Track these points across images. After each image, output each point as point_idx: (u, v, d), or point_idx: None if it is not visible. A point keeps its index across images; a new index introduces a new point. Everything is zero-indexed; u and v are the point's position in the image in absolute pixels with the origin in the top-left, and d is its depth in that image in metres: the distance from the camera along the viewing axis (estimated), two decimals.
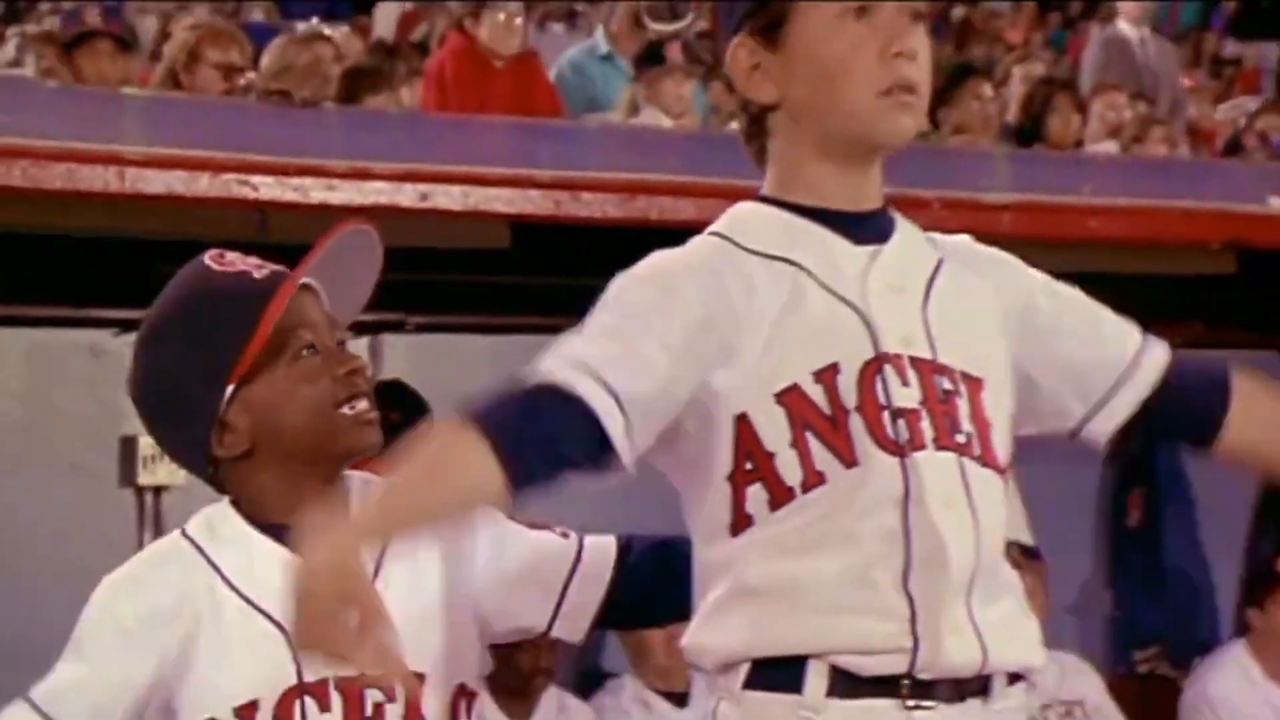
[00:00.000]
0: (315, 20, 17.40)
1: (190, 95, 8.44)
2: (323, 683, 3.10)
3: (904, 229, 2.96)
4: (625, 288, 2.84)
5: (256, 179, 5.62)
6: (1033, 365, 2.97)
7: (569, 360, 2.73)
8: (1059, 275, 3.13)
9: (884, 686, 2.76)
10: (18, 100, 7.31)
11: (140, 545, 5.48)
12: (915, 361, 2.81)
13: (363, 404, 3.18)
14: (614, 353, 2.75)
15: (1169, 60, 13.77)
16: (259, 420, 3.14)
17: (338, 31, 18.69)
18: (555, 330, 2.81)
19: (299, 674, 3.09)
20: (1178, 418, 3.06)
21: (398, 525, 2.77)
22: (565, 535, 3.22)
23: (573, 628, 3.20)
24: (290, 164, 5.83)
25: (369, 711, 3.14)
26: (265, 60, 8.75)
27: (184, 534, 3.22)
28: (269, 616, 3.07)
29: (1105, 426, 3.01)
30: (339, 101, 8.65)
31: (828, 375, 2.78)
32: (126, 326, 6.00)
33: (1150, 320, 3.41)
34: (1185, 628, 8.66)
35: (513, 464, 2.67)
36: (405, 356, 6.95)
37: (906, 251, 2.93)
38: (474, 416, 2.70)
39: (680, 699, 7.22)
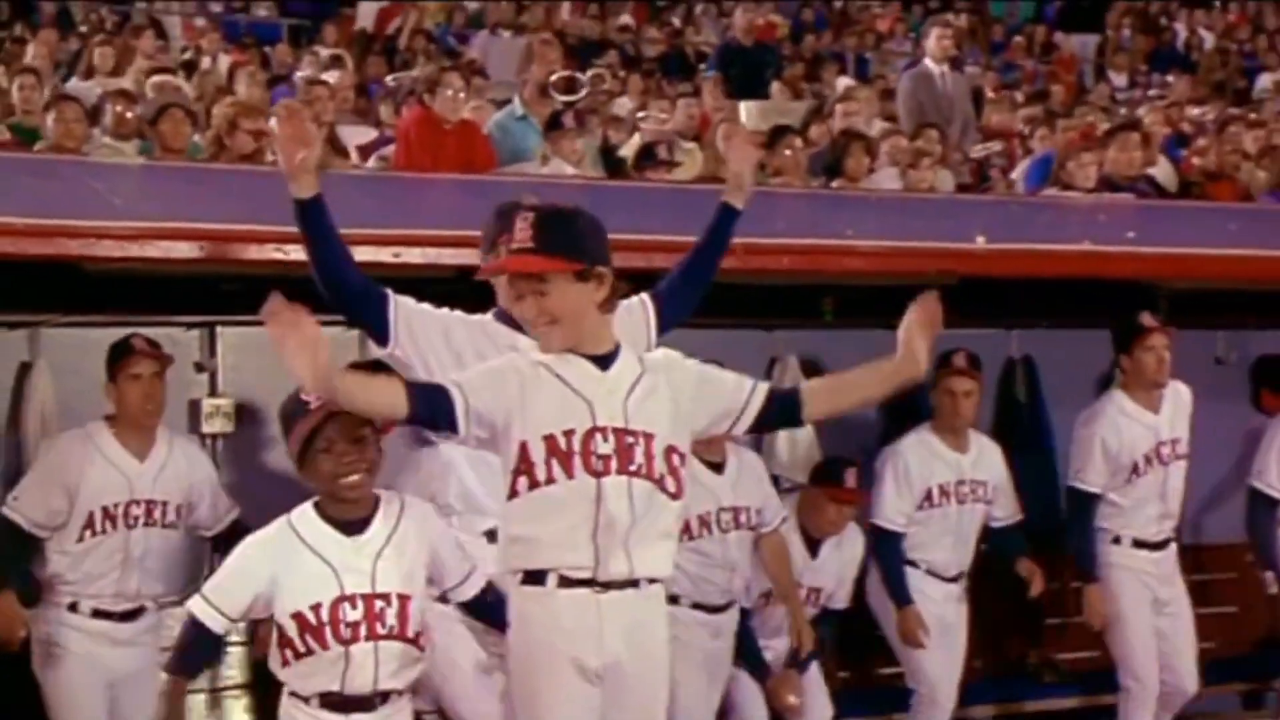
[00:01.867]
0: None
1: (230, 165, 9.00)
2: (352, 596, 4.96)
3: (624, 356, 4.90)
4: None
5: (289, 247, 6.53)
6: (696, 414, 4.95)
7: (456, 381, 4.77)
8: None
9: (584, 584, 4.78)
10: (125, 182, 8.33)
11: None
12: (615, 430, 4.77)
13: (353, 478, 5.00)
14: (470, 386, 4.73)
15: (963, 90, 14.36)
16: (308, 476, 5.04)
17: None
18: None
19: (340, 589, 4.97)
20: (779, 418, 5.08)
21: (349, 389, 4.61)
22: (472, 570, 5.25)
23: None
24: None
25: (376, 610, 4.97)
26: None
27: (288, 519, 5.08)
28: (323, 559, 4.98)
29: (741, 430, 5.09)
30: None
31: (568, 432, 4.74)
32: (190, 327, 7.56)
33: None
34: None
35: (413, 404, 4.68)
36: None
37: (620, 370, 4.83)
38: (408, 383, 4.78)
39: None
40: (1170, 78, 23.35)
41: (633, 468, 4.77)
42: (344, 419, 4.95)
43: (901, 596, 7.92)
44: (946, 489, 8.04)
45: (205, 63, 15.29)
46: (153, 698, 6.32)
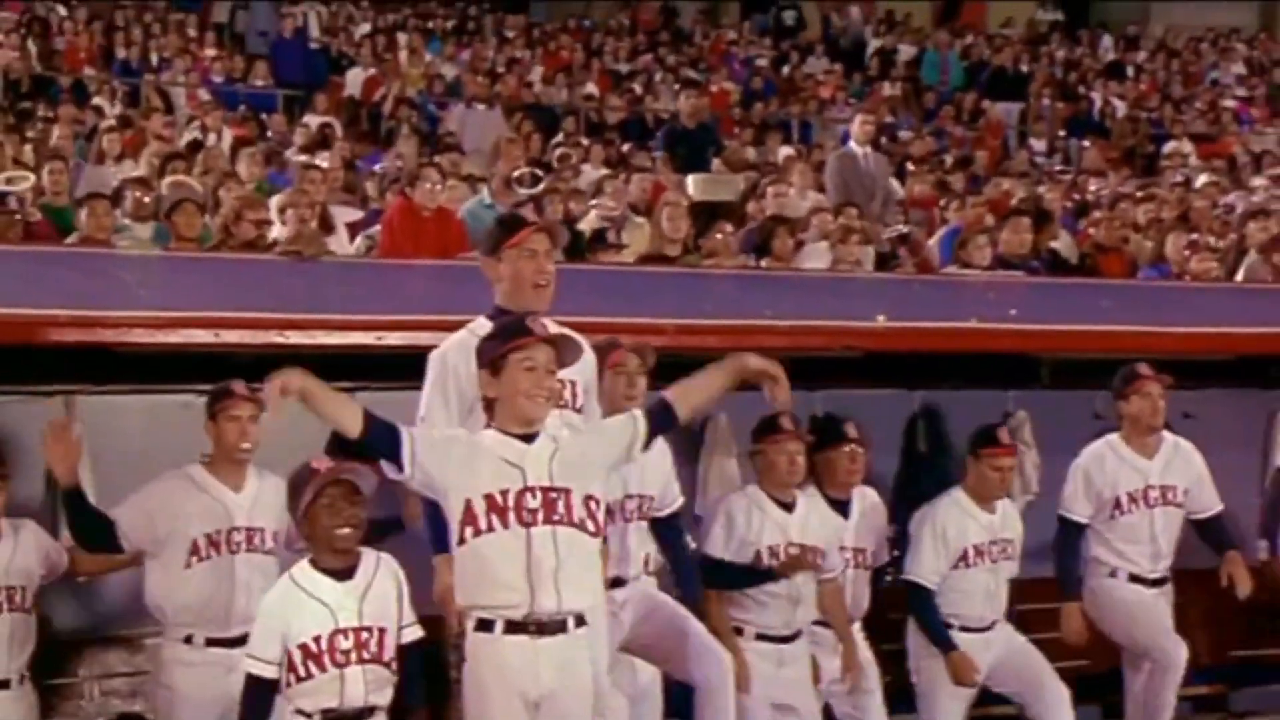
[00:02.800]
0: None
1: (236, 254, 9.58)
2: (345, 629, 5.79)
3: (547, 429, 5.74)
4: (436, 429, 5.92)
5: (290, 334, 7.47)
6: (607, 457, 5.84)
7: (411, 432, 5.69)
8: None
9: (523, 630, 5.64)
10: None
11: None
12: (542, 488, 5.64)
13: (347, 531, 5.83)
14: (422, 440, 5.66)
15: (884, 169, 15.29)
16: (307, 530, 5.87)
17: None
18: None
19: (335, 623, 5.79)
20: (663, 425, 5.94)
21: (322, 394, 5.54)
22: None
23: None
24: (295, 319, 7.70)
25: (363, 640, 5.80)
26: (284, 231, 10.40)
27: (290, 575, 5.91)
28: (321, 601, 5.81)
29: (643, 448, 5.91)
30: None
31: (504, 492, 5.61)
32: (202, 394, 7.32)
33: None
34: None
35: (367, 429, 5.58)
36: None
37: (544, 441, 5.71)
38: (368, 413, 5.62)
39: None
40: (1086, 142, 23.75)
41: (556, 517, 5.66)
42: (344, 484, 5.81)
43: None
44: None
45: (211, 139, 15.90)
46: None
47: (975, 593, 8.15)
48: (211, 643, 6.76)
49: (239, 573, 6.79)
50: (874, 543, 8.24)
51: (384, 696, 5.93)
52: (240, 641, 6.38)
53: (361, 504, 5.88)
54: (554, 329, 5.88)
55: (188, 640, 6.81)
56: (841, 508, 8.03)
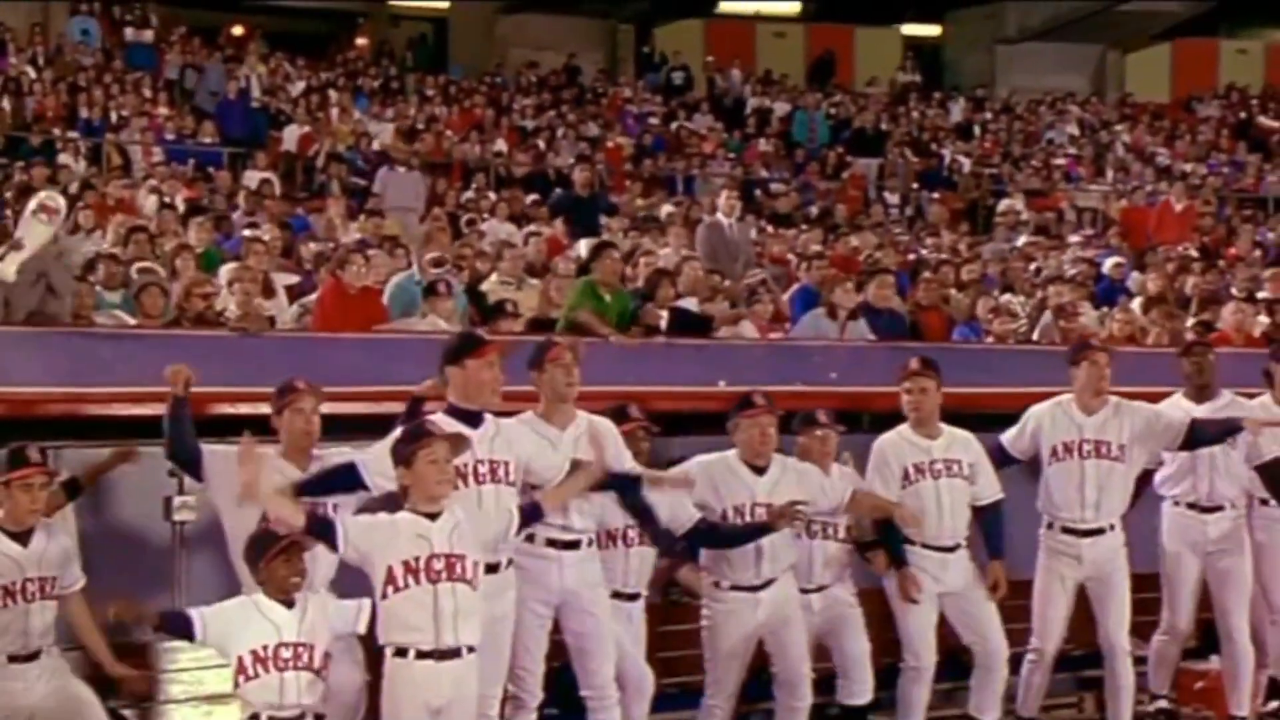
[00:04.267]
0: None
1: (193, 331, 10.17)
2: (288, 643, 6.73)
3: (446, 510, 6.87)
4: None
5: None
6: (490, 536, 7.11)
7: (344, 521, 6.91)
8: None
9: (429, 656, 6.81)
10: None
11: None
12: (445, 555, 6.79)
13: (296, 579, 6.80)
14: (353, 526, 6.86)
15: (746, 236, 16.25)
16: (263, 576, 6.84)
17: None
18: None
19: (280, 638, 6.72)
20: (531, 519, 7.39)
21: (273, 501, 6.86)
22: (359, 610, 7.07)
23: None
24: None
25: (299, 652, 6.73)
26: (231, 309, 11.17)
27: (250, 597, 6.89)
28: (270, 620, 6.75)
29: (512, 535, 7.29)
30: None
31: (416, 558, 6.77)
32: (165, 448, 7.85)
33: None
34: None
35: (309, 526, 6.73)
36: None
37: (447, 516, 6.82)
38: (310, 512, 6.86)
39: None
40: (936, 194, 24.72)
41: (454, 576, 6.84)
42: (298, 545, 6.87)
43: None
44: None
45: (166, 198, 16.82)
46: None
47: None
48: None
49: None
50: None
51: (315, 695, 6.92)
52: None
53: (304, 559, 6.96)
54: (449, 428, 7.04)
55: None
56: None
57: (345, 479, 7.30)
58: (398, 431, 7.21)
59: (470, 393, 7.39)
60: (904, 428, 9.00)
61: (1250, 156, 28.97)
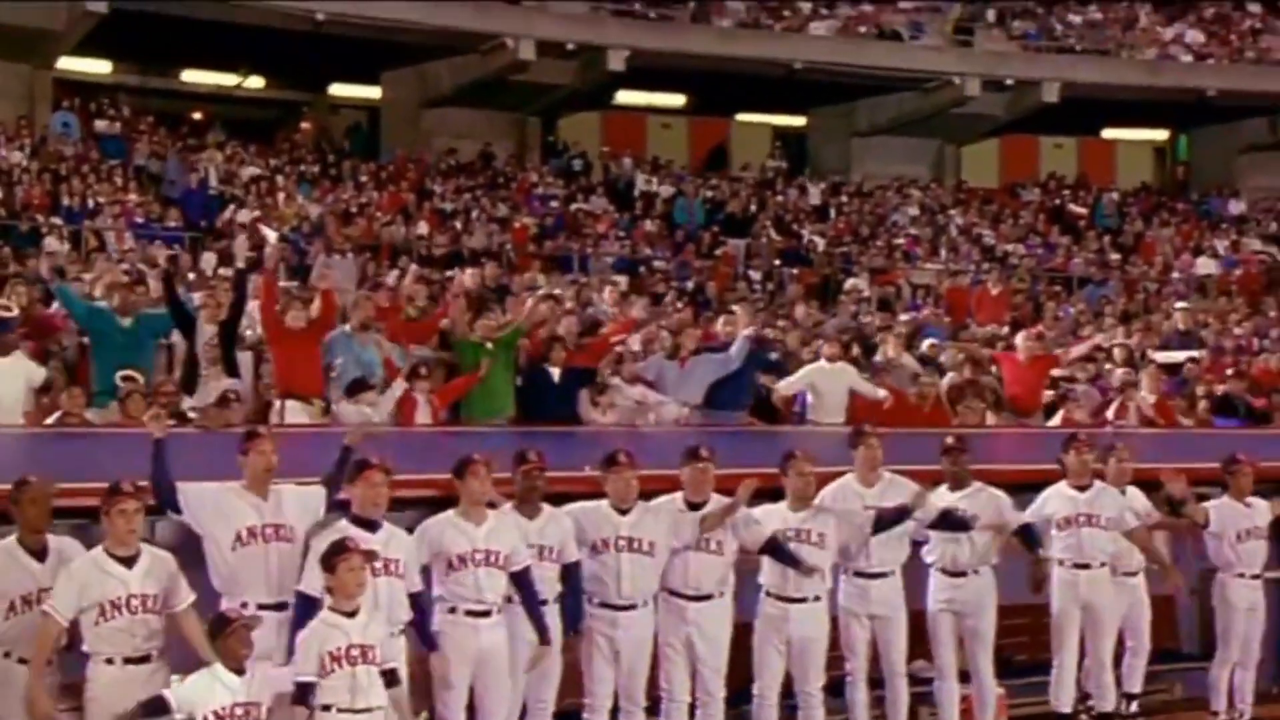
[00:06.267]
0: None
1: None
2: (240, 703, 7.72)
3: (364, 608, 8.09)
4: None
5: None
6: (389, 627, 8.33)
7: None
8: None
9: (349, 712, 8.02)
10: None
11: None
12: (359, 645, 8.00)
13: (246, 651, 7.90)
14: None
15: None
16: (220, 649, 7.88)
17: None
18: None
19: (234, 699, 7.79)
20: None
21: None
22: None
23: None
24: None
25: (250, 710, 7.75)
26: (193, 406, 11.88)
27: (210, 669, 7.91)
28: (226, 685, 7.79)
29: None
30: None
31: (338, 648, 7.98)
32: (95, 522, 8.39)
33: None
34: None
35: None
36: None
37: (362, 614, 8.06)
38: None
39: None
40: (795, 271, 25.31)
41: (367, 660, 7.97)
42: (248, 628, 7.90)
43: None
44: None
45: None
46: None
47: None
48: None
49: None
50: None
51: None
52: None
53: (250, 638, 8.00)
54: (365, 542, 8.22)
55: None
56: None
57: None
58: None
59: (365, 507, 8.55)
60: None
61: (1062, 239, 30.09)
